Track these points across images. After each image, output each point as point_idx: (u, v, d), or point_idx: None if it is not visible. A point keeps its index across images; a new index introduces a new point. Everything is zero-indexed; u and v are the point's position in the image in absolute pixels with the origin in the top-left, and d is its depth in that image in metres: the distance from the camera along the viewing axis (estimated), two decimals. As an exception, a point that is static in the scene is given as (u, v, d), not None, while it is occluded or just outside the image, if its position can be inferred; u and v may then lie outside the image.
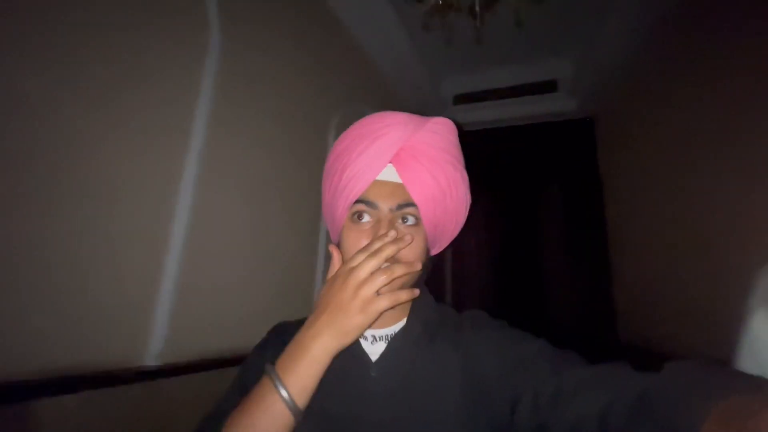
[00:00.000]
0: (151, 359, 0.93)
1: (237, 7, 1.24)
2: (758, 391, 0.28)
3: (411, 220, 0.53)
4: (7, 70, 0.71)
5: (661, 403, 0.32)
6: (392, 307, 0.46)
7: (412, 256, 0.51)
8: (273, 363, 0.46)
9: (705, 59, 1.50)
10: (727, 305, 1.13)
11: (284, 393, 0.42)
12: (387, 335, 0.55)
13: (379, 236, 0.48)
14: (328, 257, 0.57)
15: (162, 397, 0.93)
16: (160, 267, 0.98)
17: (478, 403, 0.48)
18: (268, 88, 1.39)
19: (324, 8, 1.79)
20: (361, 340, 0.55)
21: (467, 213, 0.60)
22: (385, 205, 0.52)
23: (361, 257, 0.46)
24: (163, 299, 0.97)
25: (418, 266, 0.48)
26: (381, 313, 0.45)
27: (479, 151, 1.96)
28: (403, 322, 0.56)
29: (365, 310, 0.44)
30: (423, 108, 2.71)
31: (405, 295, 0.46)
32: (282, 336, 0.54)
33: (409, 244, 0.50)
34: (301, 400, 0.43)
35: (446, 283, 3.22)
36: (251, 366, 0.56)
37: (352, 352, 0.50)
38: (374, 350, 0.54)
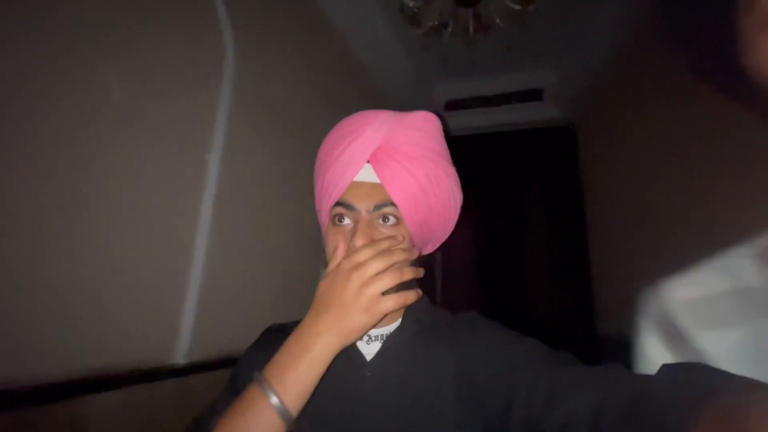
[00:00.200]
0: (180, 358, 1.02)
1: (250, 29, 1.33)
2: (751, 392, 0.28)
3: (391, 220, 0.51)
4: (42, 89, 0.78)
5: (652, 405, 0.32)
6: (397, 309, 0.44)
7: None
8: (267, 364, 0.44)
9: (674, 74, 1.66)
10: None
11: (275, 400, 0.40)
12: (382, 335, 0.54)
13: (355, 244, 0.48)
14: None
15: (191, 392, 1.02)
16: (186, 275, 1.07)
17: (472, 404, 0.47)
18: (278, 103, 1.49)
19: (329, 26, 1.89)
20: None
21: (458, 210, 0.59)
22: (362, 207, 0.51)
23: (366, 254, 0.45)
24: (189, 304, 1.06)
25: (421, 272, 0.49)
26: (386, 314, 0.44)
27: (468, 156, 2.09)
28: (398, 322, 0.56)
29: (371, 310, 0.43)
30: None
31: (412, 297, 0.46)
32: (276, 337, 0.54)
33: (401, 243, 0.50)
34: (296, 404, 0.41)
35: (437, 283, 3.35)
36: (244, 367, 0.56)
37: (347, 352, 0.48)
38: (369, 350, 0.53)
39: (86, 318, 0.83)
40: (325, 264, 0.52)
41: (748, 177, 1.22)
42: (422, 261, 0.58)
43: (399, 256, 0.46)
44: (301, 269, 1.60)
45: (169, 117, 1.03)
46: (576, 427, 0.36)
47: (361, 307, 0.43)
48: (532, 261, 3.46)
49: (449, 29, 1.52)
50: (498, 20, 1.41)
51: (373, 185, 0.51)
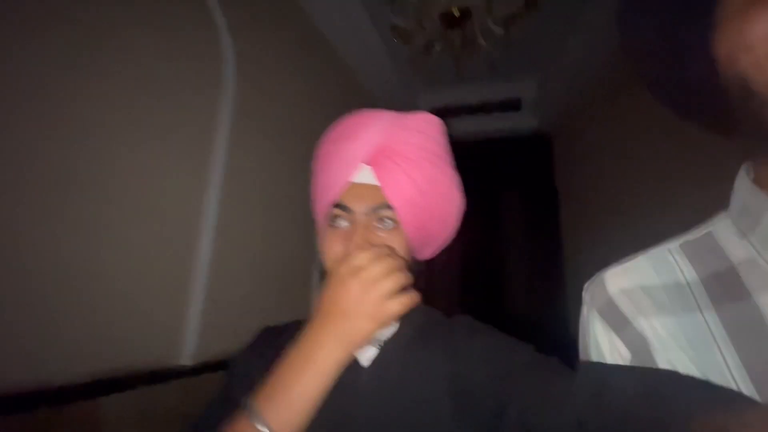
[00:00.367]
0: (186, 359, 1.08)
1: (250, 41, 1.38)
2: (735, 404, 0.29)
3: (389, 223, 0.50)
4: (56, 95, 0.83)
5: (643, 417, 0.31)
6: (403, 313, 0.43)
7: None
8: (262, 372, 0.43)
9: (642, 91, 1.82)
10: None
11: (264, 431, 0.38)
12: (379, 340, 0.53)
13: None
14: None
15: (196, 391, 1.07)
16: (189, 281, 1.12)
17: (467, 409, 0.46)
18: (276, 111, 1.54)
19: (322, 38, 1.95)
20: None
21: (459, 214, 0.58)
22: (359, 209, 0.50)
23: (364, 258, 0.43)
24: (194, 308, 1.11)
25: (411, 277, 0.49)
26: (393, 319, 0.43)
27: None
28: (394, 327, 0.54)
29: (376, 316, 0.41)
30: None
31: (416, 298, 0.45)
32: (271, 340, 0.52)
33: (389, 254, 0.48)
34: (293, 427, 0.40)
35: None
36: (238, 373, 0.54)
37: None
38: (366, 355, 0.52)
39: (100, 321, 0.87)
40: (320, 265, 0.54)
41: (709, 184, 1.37)
42: (416, 265, 0.57)
43: (397, 260, 0.45)
44: (302, 270, 1.68)
45: (173, 122, 1.08)
46: None
47: (366, 314, 0.41)
48: (508, 264, 3.61)
49: (437, 48, 1.62)
50: (483, 41, 1.52)
51: (370, 187, 0.50)
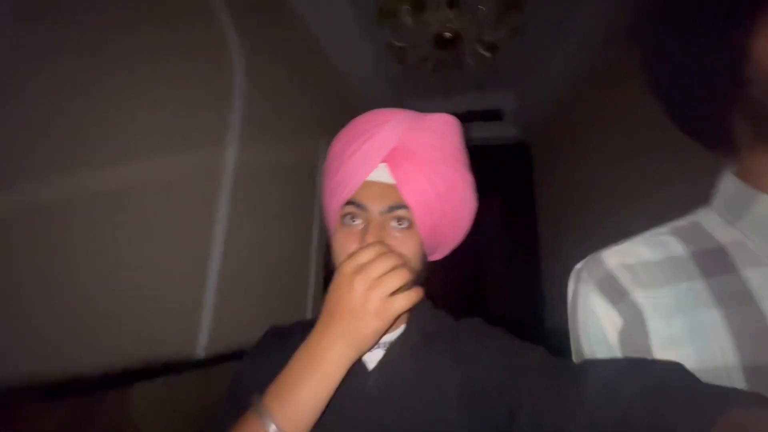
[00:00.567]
0: (200, 351, 1.17)
1: (258, 55, 1.48)
2: (755, 403, 0.29)
3: (404, 223, 0.50)
4: (76, 113, 0.91)
5: (658, 418, 0.31)
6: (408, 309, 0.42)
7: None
8: (269, 373, 0.42)
9: (616, 106, 1.98)
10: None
11: (273, 429, 0.38)
12: (385, 342, 0.52)
13: (366, 244, 0.45)
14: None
15: (210, 381, 1.16)
16: (203, 278, 1.21)
17: (476, 413, 0.46)
18: (281, 120, 1.64)
19: (321, 51, 2.06)
20: None
21: (472, 218, 0.57)
22: (374, 207, 0.49)
23: (368, 255, 0.42)
24: (207, 307, 1.20)
25: (415, 275, 0.48)
26: (399, 315, 0.42)
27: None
28: (401, 329, 0.54)
29: (381, 313, 0.40)
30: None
31: (420, 293, 0.44)
32: (277, 342, 0.52)
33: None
34: (301, 428, 0.39)
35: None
36: (245, 376, 0.54)
37: None
38: (371, 358, 0.51)
39: (128, 320, 0.96)
40: (324, 264, 0.56)
41: (673, 189, 1.51)
42: (427, 267, 0.57)
43: (399, 256, 0.45)
44: (302, 269, 1.79)
45: (184, 124, 1.17)
46: None
47: (372, 312, 0.40)
48: (489, 265, 3.79)
49: (429, 65, 1.76)
50: (470, 61, 1.66)
51: (386, 186, 0.50)
